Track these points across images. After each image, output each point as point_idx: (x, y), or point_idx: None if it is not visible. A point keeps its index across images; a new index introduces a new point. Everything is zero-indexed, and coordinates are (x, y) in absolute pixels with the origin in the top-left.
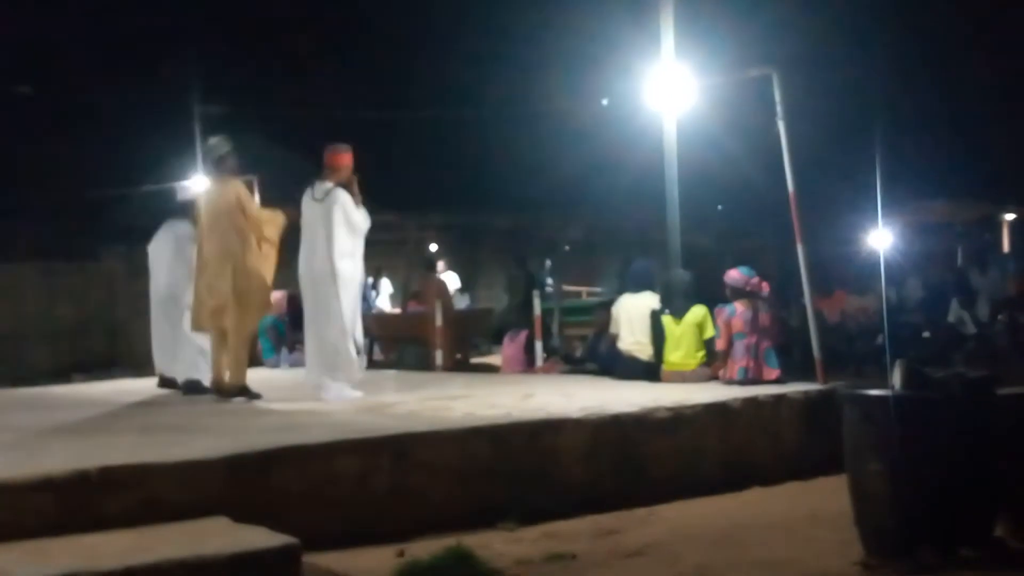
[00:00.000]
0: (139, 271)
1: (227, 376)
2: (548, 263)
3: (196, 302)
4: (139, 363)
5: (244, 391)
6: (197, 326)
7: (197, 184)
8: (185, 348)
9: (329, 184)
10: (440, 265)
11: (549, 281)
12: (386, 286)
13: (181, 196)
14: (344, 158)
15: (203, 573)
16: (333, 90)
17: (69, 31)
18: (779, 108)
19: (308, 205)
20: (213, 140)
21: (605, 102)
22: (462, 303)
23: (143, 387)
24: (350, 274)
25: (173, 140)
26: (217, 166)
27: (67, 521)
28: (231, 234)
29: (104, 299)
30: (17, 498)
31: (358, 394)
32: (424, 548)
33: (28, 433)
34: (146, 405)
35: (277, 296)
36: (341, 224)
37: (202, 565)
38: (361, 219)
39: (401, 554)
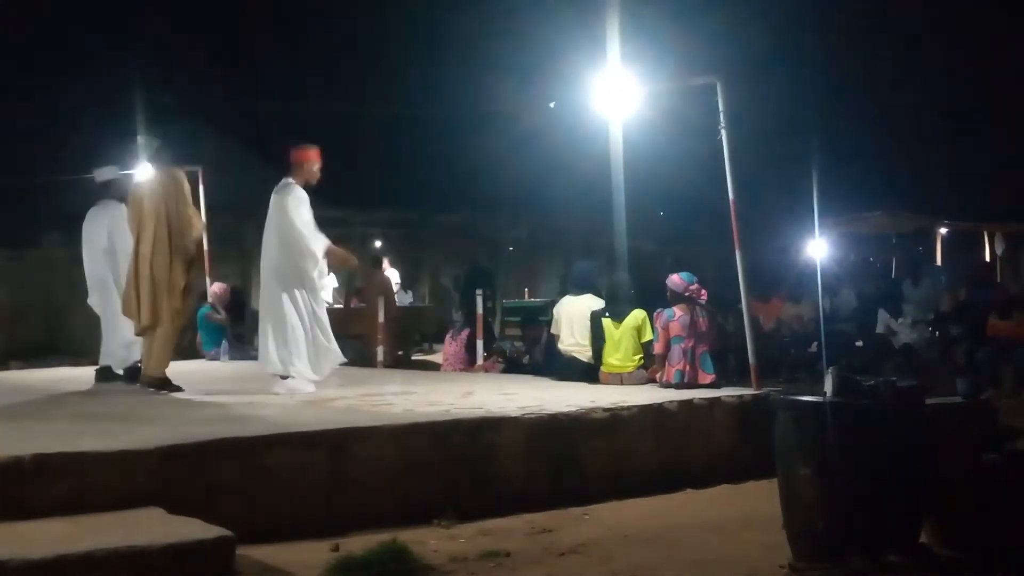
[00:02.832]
0: (78, 258)
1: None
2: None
3: (128, 289)
4: (78, 351)
5: (165, 384)
6: (128, 312)
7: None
8: (110, 333)
9: (289, 179)
10: (385, 261)
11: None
12: (330, 281)
13: (100, 178)
14: (305, 155)
15: (136, 563)
16: (282, 83)
17: (11, 13)
18: (722, 116)
19: (271, 200)
20: (142, 138)
21: (552, 105)
22: (405, 300)
23: (81, 375)
24: (313, 265)
25: (115, 127)
26: (156, 159)
27: None
28: (164, 224)
29: (43, 286)
30: None
31: (310, 388)
32: (360, 543)
33: None
34: (83, 393)
35: (220, 288)
36: (296, 214)
37: (135, 555)
38: (309, 220)
39: (336, 548)
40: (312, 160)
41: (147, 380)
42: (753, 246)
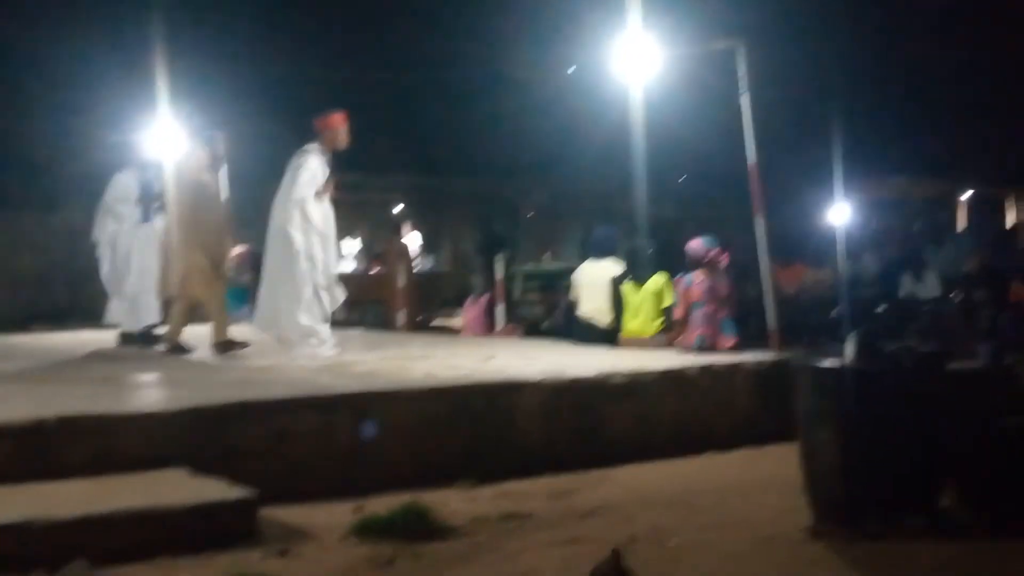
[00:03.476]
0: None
1: (213, 335)
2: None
3: (166, 268)
4: (99, 314)
5: (231, 345)
6: (167, 292)
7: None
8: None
9: (309, 146)
10: (405, 227)
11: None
12: (348, 246)
13: (126, 143)
14: (328, 121)
15: (160, 523)
16: (302, 49)
17: None
18: (743, 81)
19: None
20: (214, 134)
21: (572, 70)
22: (425, 265)
23: (103, 338)
24: (320, 228)
25: (135, 92)
26: (208, 153)
27: (24, 469)
28: (200, 202)
29: (65, 250)
30: None
31: (331, 352)
32: (381, 504)
33: None
34: (106, 356)
35: (242, 250)
36: (307, 179)
37: (159, 515)
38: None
39: (359, 509)
40: (335, 127)
41: (216, 346)
42: (774, 211)
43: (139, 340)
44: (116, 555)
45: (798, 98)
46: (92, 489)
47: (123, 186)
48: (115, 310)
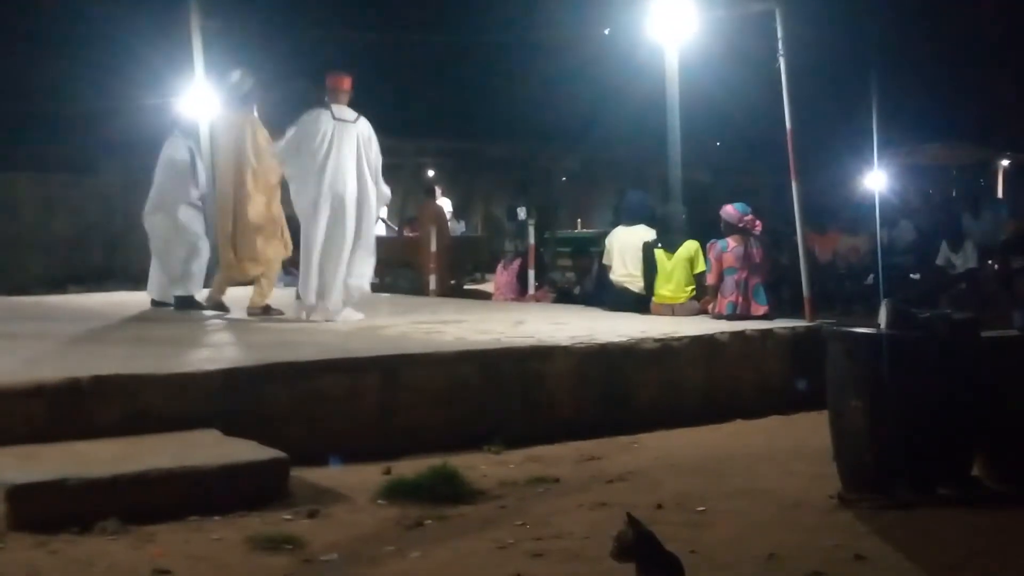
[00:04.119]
0: (135, 185)
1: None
2: (522, 210)
3: (227, 256)
4: (135, 276)
5: (267, 310)
6: (231, 280)
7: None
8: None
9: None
10: (436, 191)
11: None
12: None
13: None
14: (333, 82)
15: (192, 483)
16: (338, 12)
17: None
18: (780, 44)
19: (341, 127)
20: (237, 73)
21: (607, 32)
22: (457, 230)
23: (138, 300)
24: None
25: (171, 54)
26: (243, 101)
27: (58, 428)
28: (248, 175)
29: (101, 212)
30: (9, 404)
31: (360, 315)
32: (411, 467)
33: (23, 341)
34: (140, 318)
35: None
36: (375, 150)
37: (191, 475)
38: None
39: (388, 472)
40: (338, 88)
41: (252, 308)
42: (810, 177)
43: (179, 305)
44: (147, 514)
45: (835, 63)
46: (125, 449)
47: (167, 155)
48: (154, 281)
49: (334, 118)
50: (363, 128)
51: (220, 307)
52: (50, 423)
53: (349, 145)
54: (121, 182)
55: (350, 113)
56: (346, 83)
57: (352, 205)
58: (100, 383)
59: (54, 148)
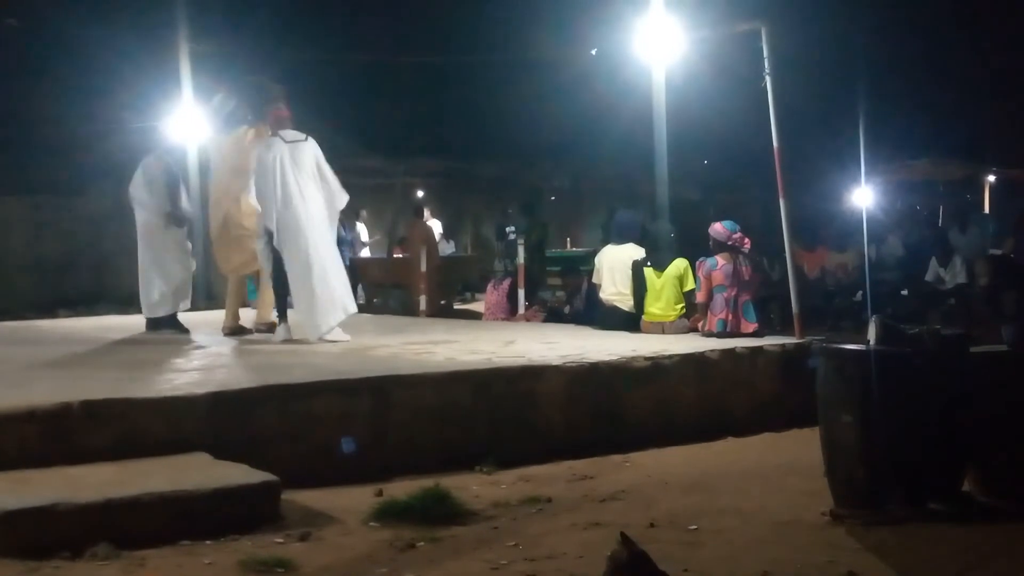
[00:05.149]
0: (125, 208)
1: (261, 314)
2: (510, 230)
3: (224, 251)
4: (124, 299)
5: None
6: (227, 269)
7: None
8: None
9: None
10: (425, 212)
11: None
12: (362, 231)
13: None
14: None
15: (183, 507)
16: (325, 34)
17: None
18: (767, 63)
19: (295, 148)
20: (218, 97)
21: (594, 52)
22: (447, 250)
23: (128, 323)
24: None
25: (160, 78)
26: (228, 122)
27: (49, 453)
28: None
29: (90, 235)
30: (0, 429)
31: (347, 337)
32: (403, 488)
33: (13, 366)
34: (130, 341)
35: None
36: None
37: (182, 499)
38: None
39: (379, 494)
40: (281, 118)
41: (260, 326)
42: (798, 194)
43: (167, 325)
44: (140, 538)
45: (822, 81)
46: (116, 473)
47: (145, 174)
48: (146, 299)
49: (285, 141)
50: (313, 145)
51: (242, 330)
52: (41, 447)
53: (303, 163)
54: (110, 205)
55: (298, 134)
56: (284, 112)
57: (309, 223)
58: (91, 407)
59: (43, 171)
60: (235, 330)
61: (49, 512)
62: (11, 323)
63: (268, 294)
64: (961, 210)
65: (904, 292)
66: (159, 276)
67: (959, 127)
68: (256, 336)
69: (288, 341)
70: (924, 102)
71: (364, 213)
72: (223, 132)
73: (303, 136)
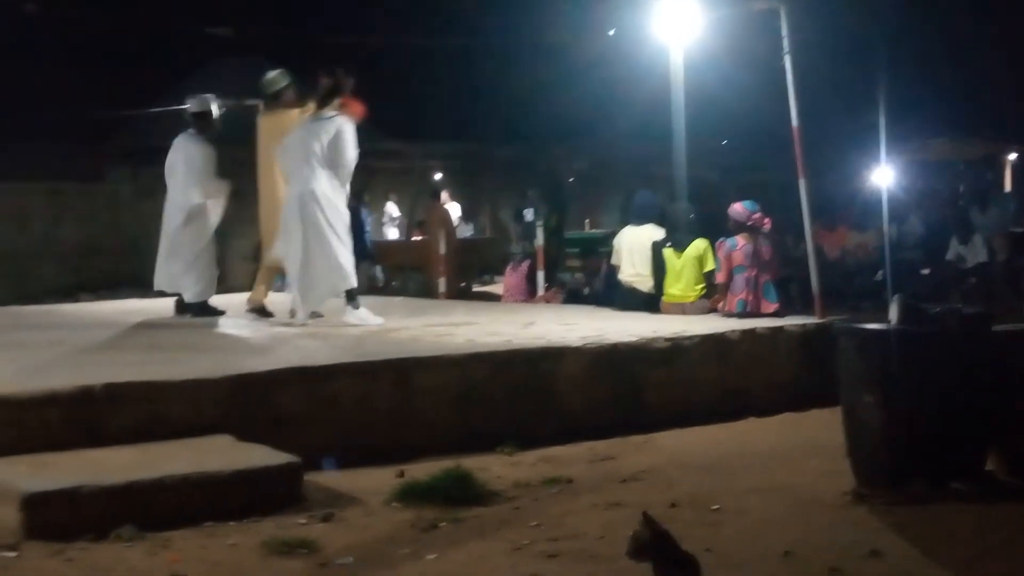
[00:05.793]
0: (145, 192)
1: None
2: (527, 212)
3: (268, 232)
4: (145, 283)
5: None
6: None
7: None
8: (186, 264)
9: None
10: (443, 195)
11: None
12: (392, 210)
13: (191, 109)
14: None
15: (206, 489)
16: (341, 17)
17: None
18: (785, 42)
19: (304, 127)
20: (271, 74)
21: (612, 32)
22: (465, 232)
23: (149, 307)
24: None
25: (179, 62)
26: (276, 99)
27: (72, 436)
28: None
29: (110, 220)
30: (23, 413)
31: (380, 320)
32: (424, 470)
33: (35, 350)
34: (152, 325)
35: None
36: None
37: (205, 481)
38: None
39: (401, 475)
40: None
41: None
42: (818, 174)
43: (194, 309)
44: (163, 520)
45: (841, 59)
46: (139, 455)
47: (172, 156)
48: (164, 278)
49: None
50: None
51: (264, 312)
52: (64, 431)
53: (307, 142)
54: (131, 189)
55: (330, 111)
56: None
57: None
58: (114, 390)
59: (63, 157)
60: (259, 310)
61: (73, 495)
62: (33, 307)
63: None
64: (982, 189)
65: (924, 271)
66: (182, 259)
67: (979, 106)
68: (277, 319)
69: (311, 320)
70: (944, 81)
71: (392, 196)
72: (271, 109)
73: (332, 113)
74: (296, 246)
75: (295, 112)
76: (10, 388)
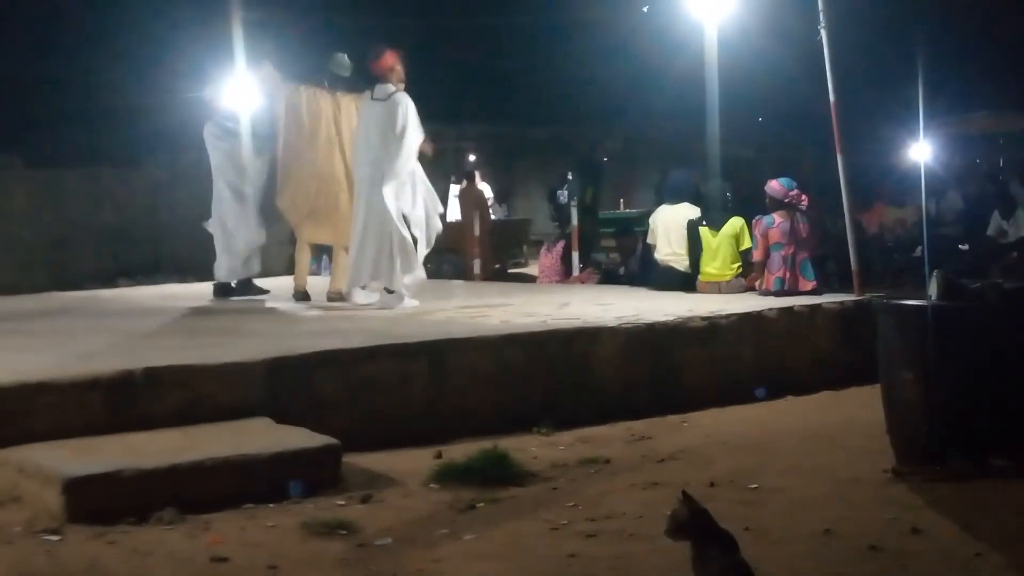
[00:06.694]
0: (181, 178)
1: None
2: (561, 193)
3: (297, 211)
4: (183, 268)
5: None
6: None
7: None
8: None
9: (391, 87)
10: (476, 176)
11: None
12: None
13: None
14: (388, 59)
15: (246, 471)
16: None
17: None
18: (822, 16)
19: (368, 106)
20: (343, 57)
21: (645, 9)
22: (499, 214)
23: (187, 291)
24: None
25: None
26: (339, 81)
27: (113, 420)
28: (340, 152)
29: (147, 205)
30: (66, 397)
31: (415, 303)
32: (461, 450)
33: (76, 335)
34: (190, 309)
35: None
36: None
37: (245, 463)
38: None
39: (439, 456)
40: (396, 63)
41: (333, 295)
42: (855, 150)
43: (237, 291)
44: (204, 502)
45: (877, 34)
46: (179, 439)
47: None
48: (221, 265)
49: (372, 98)
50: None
51: (306, 296)
52: (105, 415)
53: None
54: (167, 175)
55: (381, 91)
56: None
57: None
58: (154, 374)
59: (99, 142)
60: (304, 295)
61: (115, 478)
62: (73, 293)
63: (343, 261)
64: (1022, 162)
65: (964, 246)
66: (226, 242)
67: (1019, 79)
68: (314, 302)
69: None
70: (983, 54)
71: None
72: (329, 88)
73: (387, 95)
74: (359, 228)
75: (352, 96)
76: (52, 373)
